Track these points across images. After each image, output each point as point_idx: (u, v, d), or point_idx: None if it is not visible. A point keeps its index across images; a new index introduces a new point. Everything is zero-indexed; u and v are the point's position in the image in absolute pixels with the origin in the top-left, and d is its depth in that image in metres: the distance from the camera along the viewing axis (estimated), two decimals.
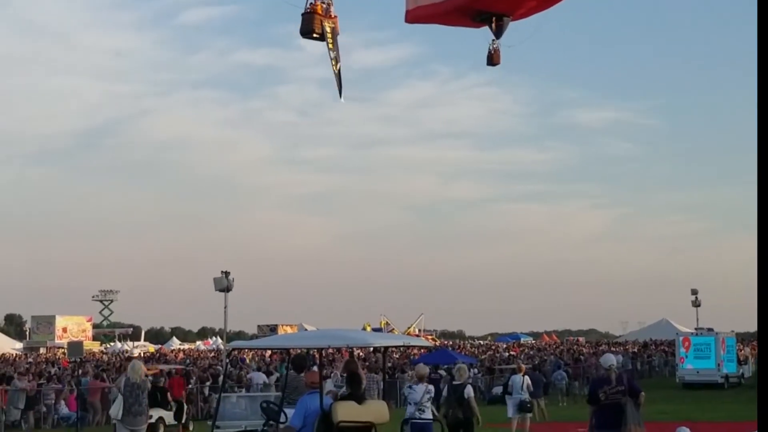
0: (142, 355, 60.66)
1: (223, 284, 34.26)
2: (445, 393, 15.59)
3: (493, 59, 19.18)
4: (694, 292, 56.29)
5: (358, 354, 41.58)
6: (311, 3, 20.59)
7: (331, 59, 20.95)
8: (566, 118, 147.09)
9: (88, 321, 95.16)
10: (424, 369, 16.42)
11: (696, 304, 56.32)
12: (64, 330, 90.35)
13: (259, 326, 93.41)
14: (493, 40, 19.04)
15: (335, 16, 20.94)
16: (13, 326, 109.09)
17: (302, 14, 20.73)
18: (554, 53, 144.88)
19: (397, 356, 43.80)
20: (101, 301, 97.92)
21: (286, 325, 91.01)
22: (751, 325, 55.47)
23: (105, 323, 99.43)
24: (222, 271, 34.19)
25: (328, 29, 20.71)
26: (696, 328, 47.50)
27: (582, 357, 45.80)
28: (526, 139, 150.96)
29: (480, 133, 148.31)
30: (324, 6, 20.70)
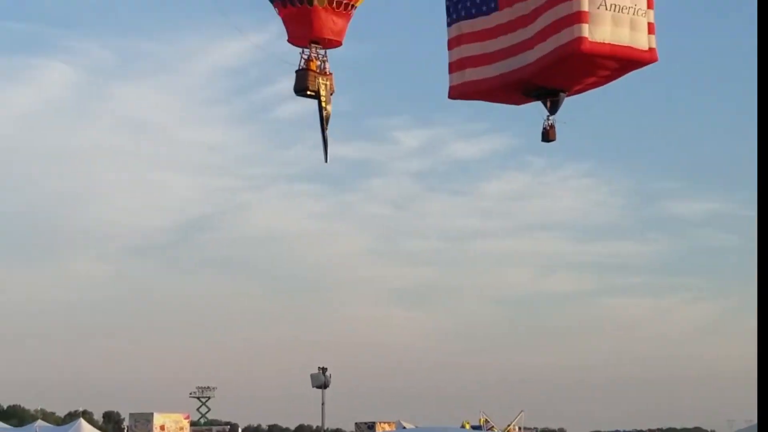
0: None
1: (320, 381, 34.36)
2: None
3: (548, 135, 19.11)
4: None
5: None
6: (305, 59, 20.99)
7: (322, 119, 21.13)
8: (666, 209, 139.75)
9: (185, 418, 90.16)
10: None
11: None
12: (162, 428, 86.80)
13: (356, 424, 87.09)
14: (548, 116, 19.05)
15: (331, 74, 21.19)
16: (111, 424, 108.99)
17: (296, 71, 21.18)
18: (651, 142, 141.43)
19: None
20: (198, 398, 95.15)
21: (384, 423, 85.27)
22: None
23: (202, 421, 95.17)
24: (319, 368, 34.74)
25: (322, 87, 21.03)
26: None
27: None
28: (624, 230, 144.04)
29: (577, 225, 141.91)
30: (319, 63, 21.07)
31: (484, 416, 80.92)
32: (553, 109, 18.53)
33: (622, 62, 16.80)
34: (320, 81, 20.86)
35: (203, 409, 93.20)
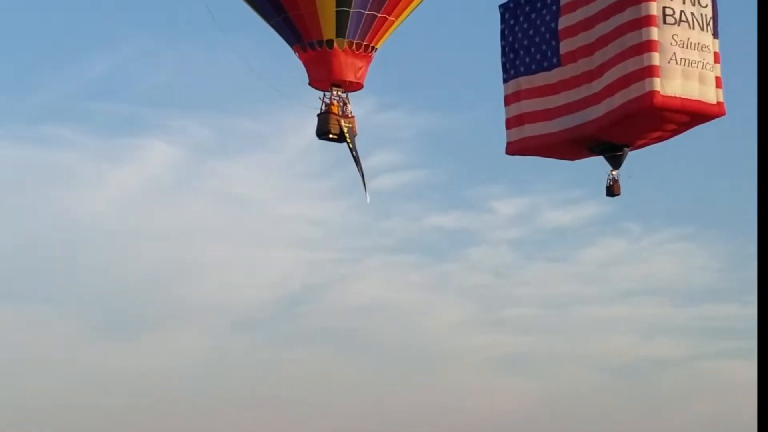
0: None
1: None
2: None
3: (613, 190, 19.26)
4: None
5: None
6: (327, 103, 20.98)
7: (355, 159, 21.14)
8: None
9: None
10: None
11: None
12: None
13: None
14: (612, 171, 19.22)
15: (353, 116, 21.19)
16: None
17: (318, 114, 21.04)
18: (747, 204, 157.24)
19: None
20: None
21: None
22: None
23: None
24: None
25: (345, 129, 20.95)
26: None
27: None
28: (725, 293, 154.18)
29: (676, 289, 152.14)
30: (340, 105, 21.03)
31: None
32: (617, 165, 18.66)
33: (692, 116, 16.85)
34: (343, 124, 20.94)
35: None
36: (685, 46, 16.32)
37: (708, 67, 16.53)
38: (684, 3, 16.41)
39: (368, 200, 21.78)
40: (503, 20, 19.30)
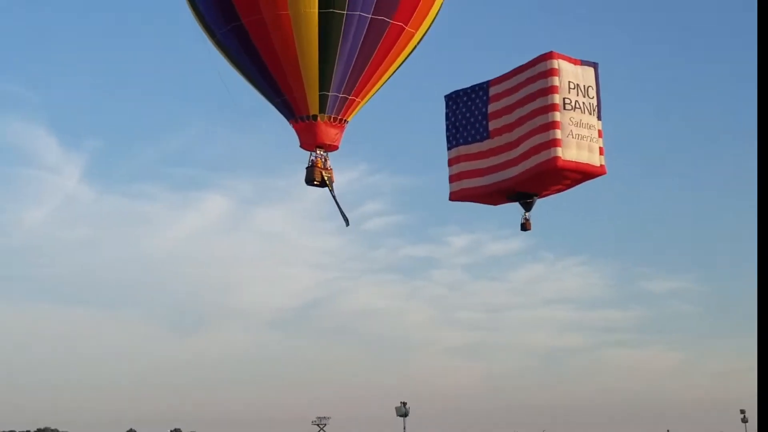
0: None
1: (402, 411, 49.46)
2: None
3: (526, 227, 23.64)
4: (743, 411, 72.31)
5: None
6: (312, 159, 26.44)
7: (334, 198, 26.68)
8: (642, 287, 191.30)
9: None
10: None
11: (744, 420, 73.07)
12: None
13: None
14: (525, 213, 23.59)
15: (331, 169, 26.68)
16: None
17: (306, 168, 26.57)
18: (635, 241, 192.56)
19: None
20: (318, 425, 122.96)
21: None
22: None
23: None
24: (402, 402, 49.75)
25: (326, 178, 26.42)
26: None
27: None
28: (611, 302, 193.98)
29: (578, 299, 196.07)
30: (322, 160, 26.51)
31: None
32: (528, 208, 23.28)
33: (583, 174, 21.56)
34: (324, 174, 26.57)
35: None
36: (578, 125, 21.06)
37: (594, 140, 21.36)
38: (578, 95, 21.15)
39: (348, 225, 27.77)
40: (447, 106, 24.07)
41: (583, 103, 21.51)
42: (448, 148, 23.95)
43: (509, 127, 22.43)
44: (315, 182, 26.63)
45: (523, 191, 22.96)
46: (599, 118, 21.74)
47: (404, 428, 51.21)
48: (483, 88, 23.27)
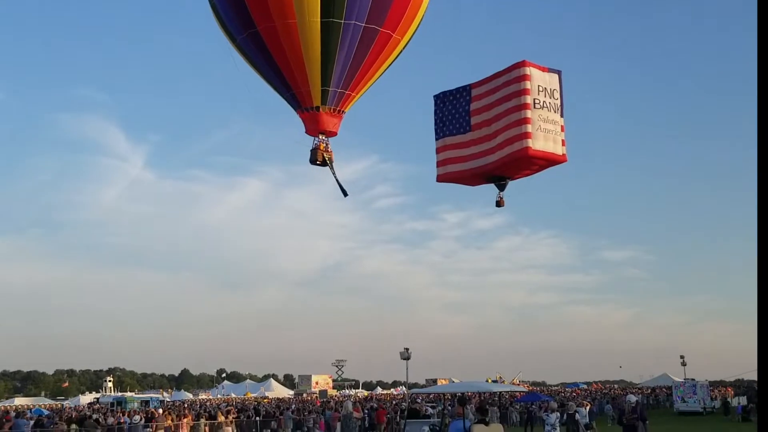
0: (358, 397, 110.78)
1: (405, 355, 58.14)
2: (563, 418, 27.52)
3: (500, 204, 26.69)
4: (682, 356, 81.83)
5: (484, 396, 68.08)
6: (316, 143, 31.06)
7: (335, 175, 30.99)
8: (601, 256, 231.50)
9: (330, 378, 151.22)
10: (554, 404, 27.74)
11: (683, 363, 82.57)
12: (317, 383, 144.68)
13: (426, 379, 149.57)
14: (499, 193, 26.75)
15: (331, 151, 31.26)
16: (287, 381, 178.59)
17: (311, 150, 31.18)
18: (590, 215, 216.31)
19: (507, 397, 73.25)
20: (337, 366, 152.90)
21: (442, 379, 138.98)
22: (719, 375, 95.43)
23: (339, 379, 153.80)
24: (405, 348, 58.64)
25: (327, 158, 31.08)
26: (684, 379, 73.04)
27: (616, 396, 71.91)
28: (576, 268, 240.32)
29: (549, 265, 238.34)
30: (324, 144, 31.19)
31: (498, 374, 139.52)
32: (502, 188, 26.68)
33: (548, 161, 24.82)
34: (325, 155, 31.07)
35: (339, 372, 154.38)
36: (545, 121, 24.61)
37: (557, 134, 24.85)
38: (545, 96, 24.73)
39: (345, 195, 32.14)
40: (435, 104, 27.43)
41: (550, 103, 25.01)
42: (436, 139, 27.34)
43: (488, 122, 25.95)
44: (318, 162, 31.08)
45: (499, 175, 26.38)
46: (562, 115, 25.20)
47: (407, 369, 61.01)
48: (466, 89, 26.79)
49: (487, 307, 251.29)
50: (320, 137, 31.48)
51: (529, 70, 25.22)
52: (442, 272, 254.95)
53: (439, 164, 27.46)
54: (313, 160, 31.11)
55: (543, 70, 25.67)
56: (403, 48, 31.74)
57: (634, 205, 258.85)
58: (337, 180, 31.24)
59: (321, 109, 30.95)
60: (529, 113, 24.80)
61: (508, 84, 25.54)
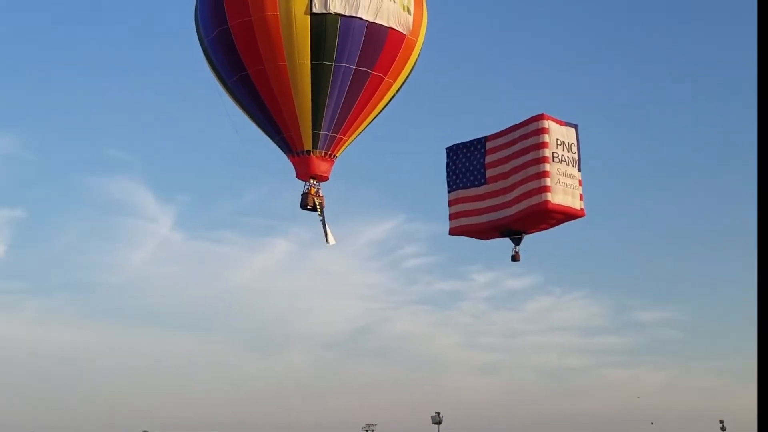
0: None
1: (437, 419, 59.89)
2: None
3: (515, 258, 26.74)
4: (722, 421, 77.95)
5: None
6: (307, 187, 29.96)
7: (321, 220, 30.11)
8: (635, 316, 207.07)
9: None
10: None
11: (723, 428, 78.68)
12: None
13: None
14: (515, 247, 26.72)
15: (322, 196, 30.20)
16: None
17: (301, 194, 30.21)
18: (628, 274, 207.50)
19: None
20: (366, 430, 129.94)
21: None
22: None
23: None
24: (436, 412, 59.95)
25: (317, 203, 30.01)
26: None
27: None
28: (609, 329, 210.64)
29: (581, 327, 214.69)
30: (315, 189, 30.09)
31: None
32: (518, 242, 26.43)
33: (566, 216, 24.69)
34: (316, 200, 30.06)
35: None
36: (563, 175, 24.42)
37: (575, 188, 24.73)
38: (563, 150, 24.56)
39: (330, 242, 30.65)
40: (448, 156, 27.29)
41: (568, 156, 24.95)
42: (449, 191, 27.17)
43: (504, 175, 25.77)
44: (308, 207, 30.21)
45: (515, 229, 26.17)
46: (579, 169, 25.18)
47: None
48: (481, 141, 26.63)
49: (519, 369, 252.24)
50: (311, 182, 30.61)
51: (548, 123, 25.17)
52: (472, 334, 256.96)
53: (451, 217, 27.20)
54: (303, 205, 30.33)
55: (560, 123, 25.57)
56: (397, 91, 31.10)
57: (667, 262, 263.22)
58: (324, 225, 30.47)
59: (312, 153, 30.15)
60: (548, 166, 24.67)
61: (526, 137, 25.39)
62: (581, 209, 25.33)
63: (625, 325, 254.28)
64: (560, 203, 24.79)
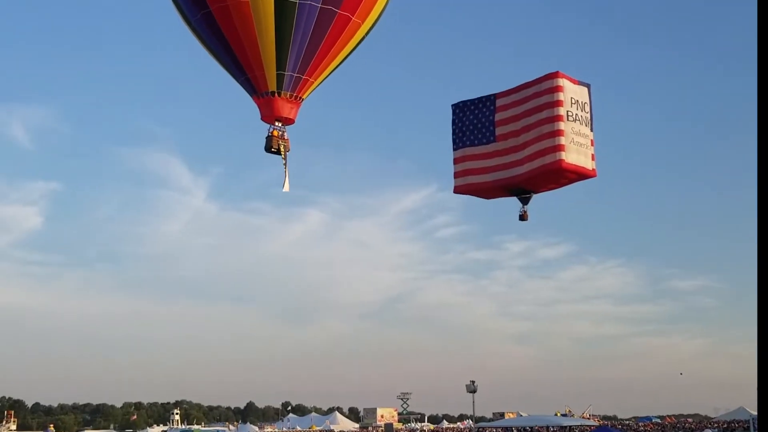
0: (422, 429, 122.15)
1: (471, 388, 60.24)
2: None
3: (523, 218, 26.39)
4: None
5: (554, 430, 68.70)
6: (270, 130, 29.49)
7: (284, 165, 29.36)
8: (670, 285, 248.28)
9: (395, 410, 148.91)
10: None
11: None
12: (382, 416, 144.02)
13: (493, 413, 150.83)
14: (522, 206, 26.42)
15: (288, 139, 29.70)
16: (352, 414, 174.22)
17: (266, 137, 29.62)
18: (662, 243, 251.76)
19: (578, 431, 71.83)
20: (402, 399, 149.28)
21: (510, 413, 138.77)
22: None
23: (404, 412, 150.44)
24: (471, 380, 60.57)
25: (282, 147, 29.46)
26: None
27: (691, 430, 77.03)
28: (643, 297, 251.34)
29: (616, 294, 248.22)
30: (279, 132, 29.58)
31: (568, 408, 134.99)
32: (526, 202, 26.26)
33: (578, 175, 24.59)
34: (281, 143, 29.54)
35: (405, 405, 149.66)
36: (577, 134, 24.27)
37: (588, 147, 24.58)
38: (577, 109, 24.41)
39: (285, 189, 29.83)
40: (454, 113, 26.79)
41: (581, 116, 24.78)
42: (454, 149, 26.72)
43: (516, 133, 25.44)
44: (273, 150, 29.53)
45: (525, 188, 26.01)
46: (592, 129, 25.07)
47: (473, 402, 62.82)
48: (490, 99, 26.25)
49: (554, 338, 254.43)
50: (276, 124, 29.91)
51: (562, 82, 24.90)
52: (506, 303, 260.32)
53: (457, 175, 26.78)
54: (267, 148, 29.51)
55: (574, 82, 25.41)
56: (366, 33, 30.57)
57: (704, 231, 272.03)
58: (285, 171, 29.61)
59: (277, 95, 29.43)
60: (562, 125, 24.41)
61: (539, 95, 25.07)
62: (593, 169, 25.19)
63: (661, 293, 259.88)
64: (574, 162, 24.55)
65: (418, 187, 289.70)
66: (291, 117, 30.03)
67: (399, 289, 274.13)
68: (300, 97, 30.04)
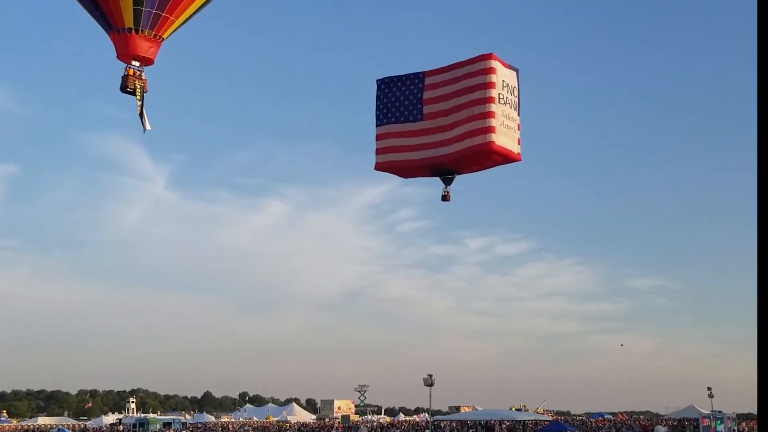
0: (378, 422, 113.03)
1: (429, 382, 59.48)
2: None
3: (446, 198, 25.85)
4: (710, 388, 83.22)
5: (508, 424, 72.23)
6: (126, 68, 27.88)
7: (138, 106, 27.77)
8: (626, 284, 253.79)
9: (352, 403, 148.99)
10: None
11: (710, 395, 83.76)
12: (339, 408, 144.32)
13: (449, 406, 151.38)
14: (445, 187, 25.82)
15: (145, 80, 28.09)
16: (309, 405, 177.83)
17: (122, 77, 28.01)
18: (620, 242, 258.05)
19: (531, 426, 73.66)
20: (359, 391, 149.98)
21: (466, 406, 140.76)
22: (747, 407, 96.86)
23: (361, 404, 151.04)
24: (428, 374, 59.59)
25: (138, 87, 27.81)
26: (712, 411, 74.24)
27: (642, 427, 77.07)
28: (599, 296, 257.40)
29: (572, 293, 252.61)
30: (136, 72, 27.97)
31: (522, 403, 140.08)
32: (449, 183, 25.74)
33: (505, 158, 24.22)
34: (137, 83, 27.88)
35: (362, 398, 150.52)
36: (507, 118, 23.88)
37: (515, 131, 24.23)
38: (507, 92, 24.03)
39: (147, 128, 28.48)
40: (379, 89, 26.02)
41: (511, 99, 24.46)
42: (377, 125, 26.05)
43: (445, 113, 24.88)
44: (128, 89, 27.96)
45: (449, 168, 25.52)
46: (519, 114, 24.78)
47: (430, 396, 62.56)
48: (418, 76, 25.56)
49: (511, 334, 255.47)
50: (134, 63, 28.19)
51: (495, 64, 24.47)
52: (465, 298, 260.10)
53: (379, 152, 26.05)
54: (123, 88, 27.88)
55: (506, 65, 24.93)
56: None
57: (662, 231, 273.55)
58: (141, 112, 28.10)
59: (134, 32, 27.81)
60: (493, 107, 24.02)
61: (472, 75, 24.56)
62: (518, 153, 24.84)
63: (617, 292, 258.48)
64: (503, 145, 24.15)
65: (380, 181, 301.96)
66: (150, 56, 28.41)
67: (360, 283, 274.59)
68: (161, 37, 28.49)
